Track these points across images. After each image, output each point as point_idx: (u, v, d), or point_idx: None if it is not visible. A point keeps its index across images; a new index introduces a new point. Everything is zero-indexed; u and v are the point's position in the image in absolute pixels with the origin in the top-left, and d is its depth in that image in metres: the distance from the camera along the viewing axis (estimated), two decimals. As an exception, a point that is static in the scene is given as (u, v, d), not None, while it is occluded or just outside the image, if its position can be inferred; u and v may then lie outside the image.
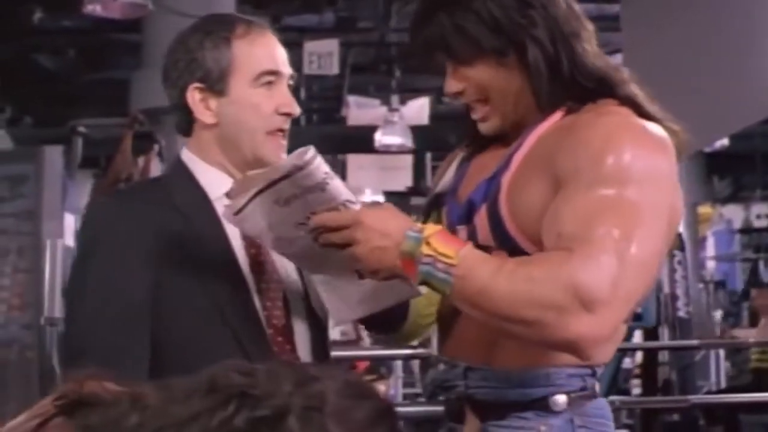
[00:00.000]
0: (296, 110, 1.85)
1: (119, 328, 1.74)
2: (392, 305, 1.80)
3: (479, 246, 1.65)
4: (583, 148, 1.60)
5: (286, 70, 1.86)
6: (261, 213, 1.63)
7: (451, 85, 1.75)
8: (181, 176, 1.88)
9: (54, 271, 4.82)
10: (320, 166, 1.58)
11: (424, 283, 1.57)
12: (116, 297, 1.75)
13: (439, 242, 1.55)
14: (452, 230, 1.74)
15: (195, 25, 1.88)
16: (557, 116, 1.71)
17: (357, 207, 1.62)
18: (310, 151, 1.57)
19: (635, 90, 1.71)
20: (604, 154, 1.58)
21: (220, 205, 1.76)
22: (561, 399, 1.68)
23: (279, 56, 1.86)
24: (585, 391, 1.70)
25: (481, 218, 1.71)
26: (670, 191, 1.62)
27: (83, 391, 1.08)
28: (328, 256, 1.66)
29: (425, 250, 1.54)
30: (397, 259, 1.56)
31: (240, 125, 1.82)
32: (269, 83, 1.83)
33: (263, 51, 1.84)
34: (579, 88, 1.70)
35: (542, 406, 1.69)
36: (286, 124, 1.85)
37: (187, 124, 1.87)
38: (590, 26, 1.75)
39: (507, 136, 1.78)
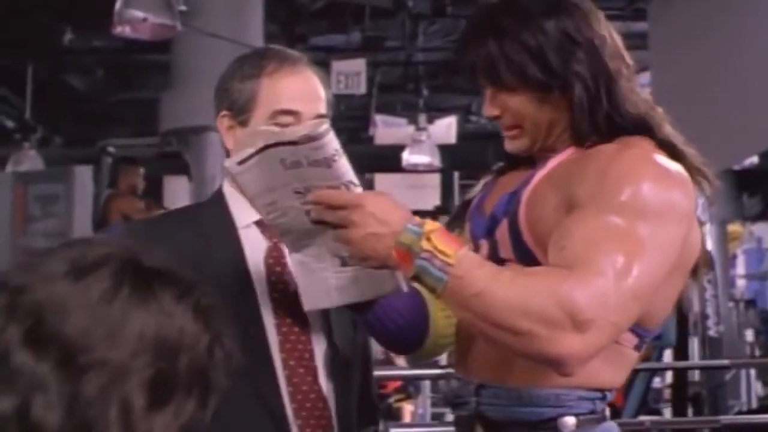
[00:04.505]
0: None
1: None
2: (370, 299, 1.77)
3: (500, 260, 1.66)
4: (603, 177, 1.62)
5: (310, 110, 1.88)
6: (263, 169, 1.61)
7: (489, 109, 1.77)
8: (215, 204, 1.96)
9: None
10: (332, 141, 1.56)
11: (415, 278, 1.55)
12: None
13: (439, 239, 1.53)
14: (475, 244, 1.76)
15: (238, 57, 1.95)
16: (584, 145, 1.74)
17: (359, 190, 1.60)
18: (325, 125, 1.56)
19: (671, 130, 1.73)
20: (622, 184, 1.60)
21: (246, 233, 1.87)
22: (570, 421, 1.68)
23: (303, 97, 1.88)
24: (594, 415, 1.70)
25: (503, 232, 1.72)
26: (683, 227, 1.63)
27: None
28: (315, 236, 1.64)
29: (425, 245, 1.53)
30: (392, 249, 1.54)
31: None
32: (286, 123, 1.85)
33: (286, 91, 1.87)
34: (615, 127, 1.71)
35: (551, 427, 1.69)
36: None
37: (226, 148, 1.94)
38: (630, 61, 1.76)
39: (534, 158, 1.80)
